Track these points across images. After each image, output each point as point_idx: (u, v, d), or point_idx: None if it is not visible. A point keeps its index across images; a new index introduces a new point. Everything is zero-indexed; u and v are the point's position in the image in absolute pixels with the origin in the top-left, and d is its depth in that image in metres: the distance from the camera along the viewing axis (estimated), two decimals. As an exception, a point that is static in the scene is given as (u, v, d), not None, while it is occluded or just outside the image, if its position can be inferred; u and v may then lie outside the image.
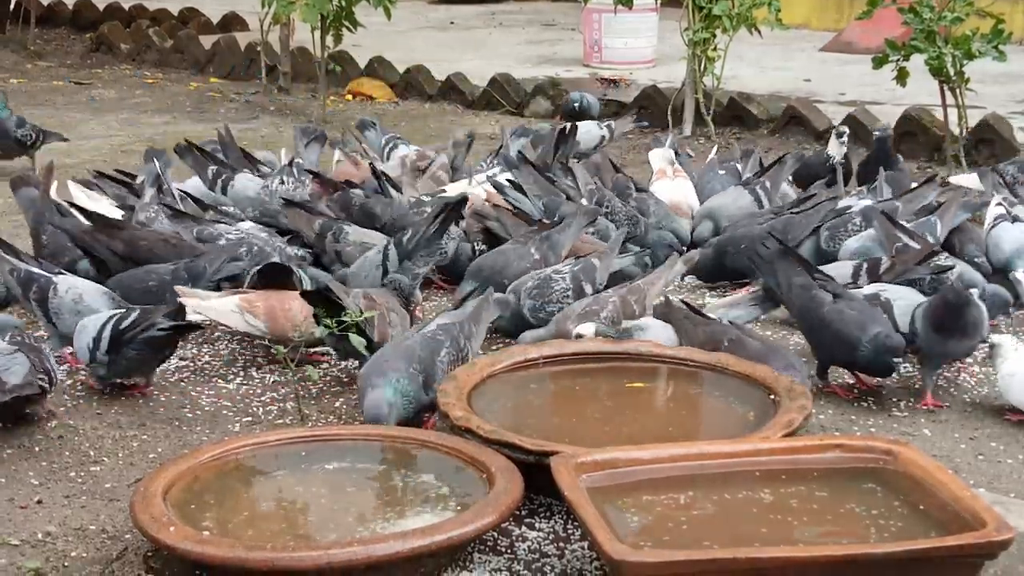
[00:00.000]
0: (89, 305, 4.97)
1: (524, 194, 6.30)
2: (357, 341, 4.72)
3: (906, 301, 5.10)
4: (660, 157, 7.02)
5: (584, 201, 6.39)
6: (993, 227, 5.86)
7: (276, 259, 5.44)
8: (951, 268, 5.43)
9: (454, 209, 5.66)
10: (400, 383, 4.30)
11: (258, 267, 5.26)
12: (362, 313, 4.78)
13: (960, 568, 3.34)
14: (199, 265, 5.35)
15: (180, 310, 4.77)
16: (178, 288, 5.01)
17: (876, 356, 4.67)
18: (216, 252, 5.46)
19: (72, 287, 5.06)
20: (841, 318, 4.76)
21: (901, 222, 5.84)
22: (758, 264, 5.24)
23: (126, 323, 4.67)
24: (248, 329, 4.91)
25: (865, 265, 5.56)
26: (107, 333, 4.66)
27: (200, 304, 4.92)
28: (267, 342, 4.87)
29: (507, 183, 6.37)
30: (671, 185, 6.77)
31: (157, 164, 6.49)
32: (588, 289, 5.31)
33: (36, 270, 5.14)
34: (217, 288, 5.28)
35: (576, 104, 9.37)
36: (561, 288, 5.25)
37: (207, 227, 5.85)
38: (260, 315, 4.89)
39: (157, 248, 5.50)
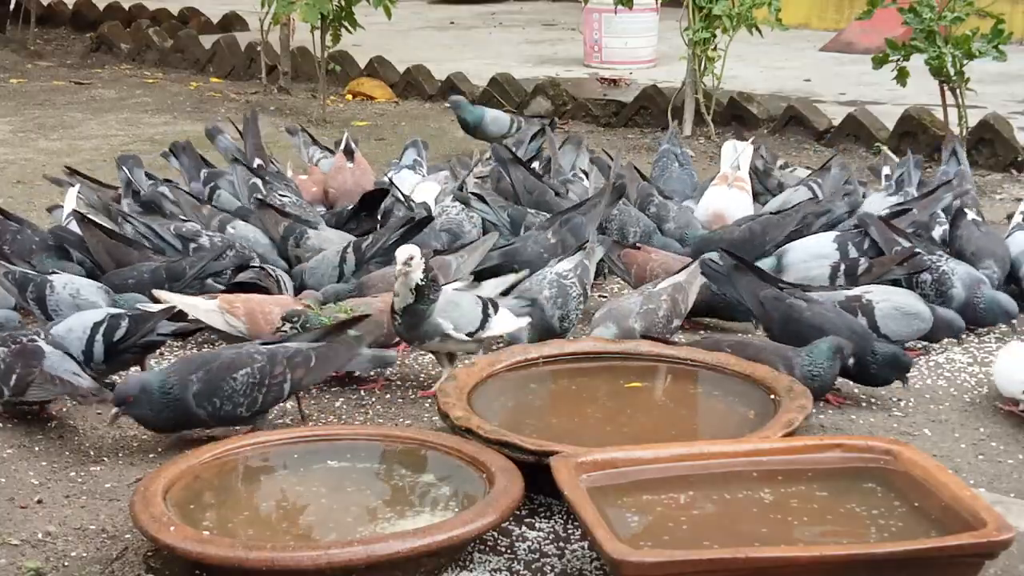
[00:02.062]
0: (87, 299, 5.07)
1: (489, 206, 6.25)
2: (356, 336, 4.74)
3: (889, 304, 5.07)
4: (728, 159, 6.76)
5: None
6: (1009, 236, 5.83)
7: (256, 263, 5.53)
8: (928, 268, 5.42)
9: (418, 225, 5.70)
10: (167, 382, 4.24)
11: (233, 280, 5.37)
12: (351, 310, 4.80)
13: (960, 568, 3.33)
14: (180, 266, 5.42)
15: (179, 314, 4.80)
16: (156, 292, 5.01)
17: (881, 367, 4.67)
18: (198, 254, 5.52)
19: (68, 283, 5.15)
20: (828, 323, 4.77)
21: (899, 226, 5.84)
22: (715, 279, 5.18)
23: (119, 333, 4.69)
24: (228, 329, 4.92)
25: (843, 266, 5.56)
26: (99, 346, 4.68)
27: (183, 303, 4.92)
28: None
29: (472, 195, 6.33)
30: (723, 194, 6.55)
31: (126, 170, 6.51)
32: (589, 292, 5.32)
33: (31, 271, 5.21)
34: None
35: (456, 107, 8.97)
36: (576, 294, 5.18)
37: (184, 224, 5.87)
38: (240, 316, 4.90)
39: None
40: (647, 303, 5.03)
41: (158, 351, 5.06)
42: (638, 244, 5.84)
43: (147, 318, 4.75)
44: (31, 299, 5.11)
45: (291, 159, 7.27)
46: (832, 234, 5.89)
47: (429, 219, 5.84)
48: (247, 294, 5.11)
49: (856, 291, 5.19)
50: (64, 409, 4.66)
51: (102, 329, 4.70)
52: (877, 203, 6.36)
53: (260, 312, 4.93)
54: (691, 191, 6.91)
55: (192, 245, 5.73)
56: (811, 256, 5.71)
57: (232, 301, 4.97)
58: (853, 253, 5.73)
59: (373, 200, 6.40)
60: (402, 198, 6.30)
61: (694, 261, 5.33)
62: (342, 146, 7.19)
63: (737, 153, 6.74)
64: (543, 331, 5.03)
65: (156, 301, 4.98)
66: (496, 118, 8.77)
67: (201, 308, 4.90)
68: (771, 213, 6.15)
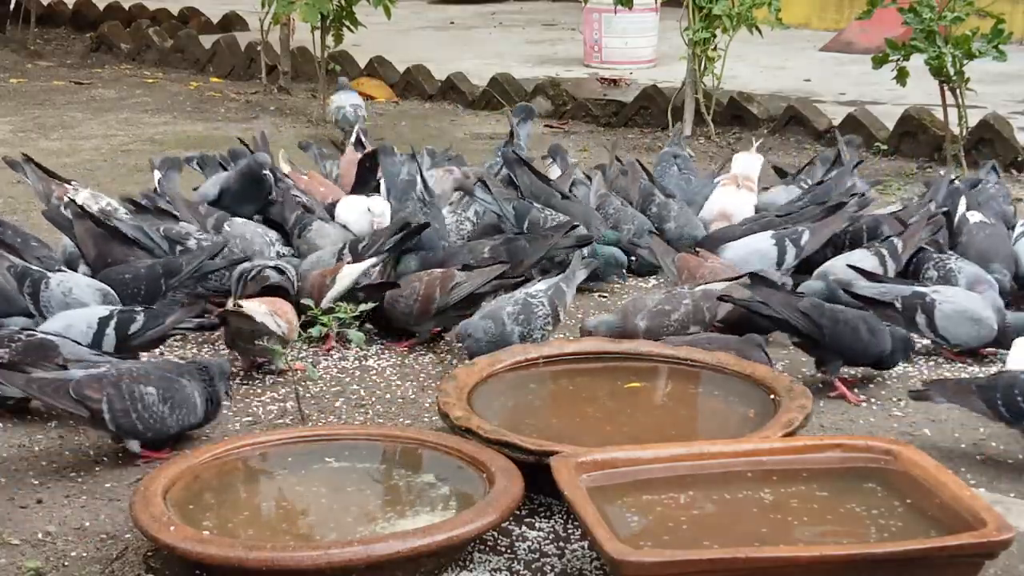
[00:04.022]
0: (78, 298, 5.10)
1: (493, 197, 6.25)
2: (357, 337, 4.74)
3: (952, 306, 5.02)
4: (742, 164, 6.78)
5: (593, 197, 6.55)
6: (1016, 242, 5.78)
7: (260, 265, 5.54)
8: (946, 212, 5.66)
9: (416, 231, 5.72)
10: None
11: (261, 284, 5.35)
12: (356, 309, 4.80)
13: (960, 568, 3.34)
14: (176, 263, 5.45)
15: (202, 312, 4.91)
16: (238, 302, 5.02)
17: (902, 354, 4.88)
18: (195, 252, 5.56)
19: (63, 281, 5.18)
20: (872, 318, 4.86)
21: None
22: (747, 307, 5.05)
23: (135, 327, 4.81)
24: (276, 330, 4.95)
25: (886, 252, 5.56)
26: (109, 339, 4.77)
27: (248, 307, 4.95)
28: (270, 343, 4.88)
29: (478, 183, 6.34)
30: (731, 194, 6.58)
31: (157, 176, 6.51)
32: (561, 314, 5.18)
33: (33, 266, 5.23)
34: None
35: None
36: (543, 314, 5.07)
37: (174, 226, 5.87)
38: (283, 318, 4.98)
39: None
40: (663, 304, 5.01)
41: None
42: (697, 249, 5.77)
43: (165, 313, 4.86)
44: (27, 293, 5.16)
45: (282, 152, 7.20)
46: (770, 231, 5.87)
47: (426, 226, 5.79)
48: (270, 299, 5.14)
49: (924, 288, 5.18)
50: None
51: (112, 323, 4.81)
52: (782, 195, 6.64)
53: (291, 314, 5.03)
54: (688, 195, 6.87)
55: (179, 247, 5.73)
56: (751, 253, 5.70)
57: (275, 304, 5.04)
58: (791, 250, 5.73)
59: (371, 165, 6.39)
60: (421, 184, 6.24)
61: (740, 276, 5.23)
62: (352, 139, 7.26)
63: (748, 161, 6.78)
64: (499, 344, 4.89)
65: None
66: (339, 106, 8.70)
67: (256, 310, 4.94)
68: (775, 215, 6.16)
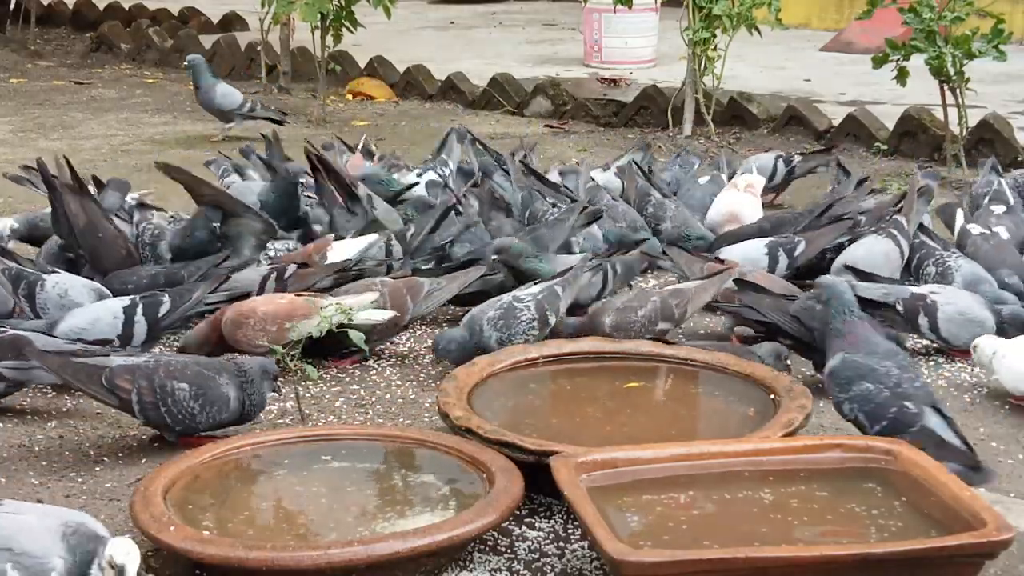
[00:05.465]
0: (74, 299, 5.13)
1: (511, 182, 6.40)
2: (357, 336, 4.74)
3: (954, 308, 5.04)
4: (746, 177, 6.78)
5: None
6: None
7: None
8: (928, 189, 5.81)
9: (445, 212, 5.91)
10: None
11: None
12: (350, 309, 4.81)
13: (960, 568, 3.34)
14: (177, 273, 5.46)
15: (224, 280, 5.04)
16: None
17: None
18: (195, 262, 5.56)
19: (59, 283, 5.22)
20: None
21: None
22: (738, 313, 5.07)
23: (163, 309, 4.91)
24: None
25: (896, 232, 5.60)
26: (140, 326, 4.87)
27: (356, 300, 5.00)
28: (266, 341, 4.87)
29: (499, 169, 6.45)
30: (736, 196, 6.56)
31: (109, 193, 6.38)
32: (551, 319, 5.08)
33: (28, 269, 5.26)
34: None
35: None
36: (527, 318, 5.00)
37: (149, 226, 5.86)
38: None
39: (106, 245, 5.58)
40: (630, 301, 5.03)
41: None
42: (720, 257, 5.73)
43: (190, 290, 4.97)
44: (22, 295, 5.19)
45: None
46: (765, 240, 5.87)
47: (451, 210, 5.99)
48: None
49: (923, 289, 5.17)
50: (65, 408, 4.68)
51: (139, 309, 4.88)
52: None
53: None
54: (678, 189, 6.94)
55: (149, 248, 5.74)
56: (742, 260, 5.64)
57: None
58: (783, 259, 5.74)
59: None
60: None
61: (720, 272, 5.22)
62: (360, 146, 7.40)
63: (752, 163, 6.79)
64: (481, 350, 4.82)
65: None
66: (226, 93, 9.01)
67: (363, 300, 5.02)
68: (785, 211, 6.20)
